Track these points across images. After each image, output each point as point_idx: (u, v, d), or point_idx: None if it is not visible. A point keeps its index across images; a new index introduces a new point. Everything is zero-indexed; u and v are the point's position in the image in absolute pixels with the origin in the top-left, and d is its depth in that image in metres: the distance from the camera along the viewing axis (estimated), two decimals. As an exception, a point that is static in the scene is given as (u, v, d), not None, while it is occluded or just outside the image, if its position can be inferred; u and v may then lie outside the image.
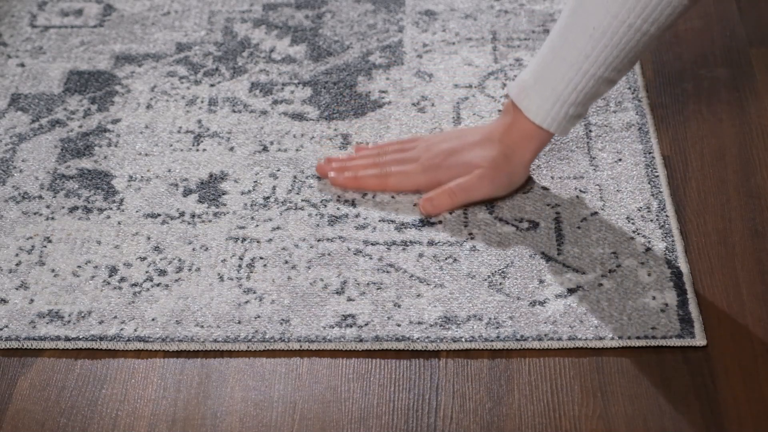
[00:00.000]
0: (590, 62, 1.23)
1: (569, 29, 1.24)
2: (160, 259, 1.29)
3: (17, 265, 1.29)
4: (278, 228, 1.33)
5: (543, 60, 1.27)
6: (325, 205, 1.35)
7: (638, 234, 1.30)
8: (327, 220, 1.33)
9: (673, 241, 1.29)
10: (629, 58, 1.23)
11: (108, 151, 1.43)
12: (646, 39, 1.21)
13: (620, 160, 1.40)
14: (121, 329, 1.22)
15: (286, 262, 1.28)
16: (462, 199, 1.31)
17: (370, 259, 1.28)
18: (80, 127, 1.47)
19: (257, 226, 1.33)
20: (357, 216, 1.34)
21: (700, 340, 1.19)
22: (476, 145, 1.32)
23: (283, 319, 1.22)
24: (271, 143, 1.44)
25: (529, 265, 1.27)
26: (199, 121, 1.47)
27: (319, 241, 1.31)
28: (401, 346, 1.19)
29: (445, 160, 1.33)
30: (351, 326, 1.21)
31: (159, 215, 1.34)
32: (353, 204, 1.35)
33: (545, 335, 1.19)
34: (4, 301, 1.25)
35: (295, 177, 1.39)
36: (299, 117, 1.48)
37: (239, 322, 1.22)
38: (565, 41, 1.24)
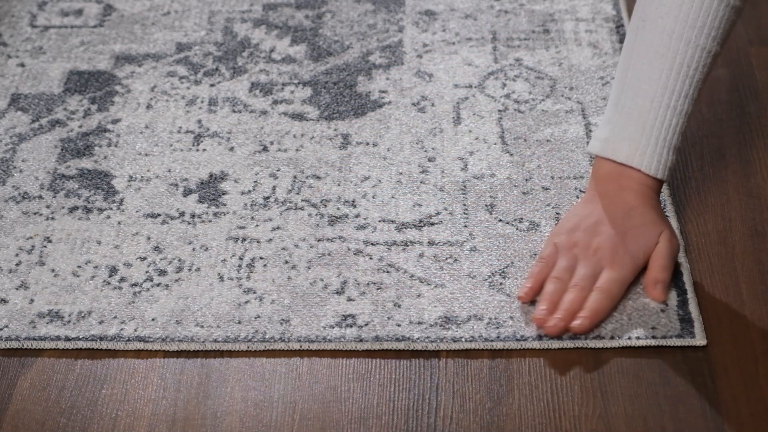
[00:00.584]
0: (682, 101, 1.19)
1: (643, 73, 1.20)
2: (160, 259, 1.29)
3: (17, 265, 1.29)
4: (278, 228, 1.33)
5: (636, 112, 1.21)
6: (325, 205, 1.35)
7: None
8: (327, 220, 1.33)
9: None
10: (700, 88, 1.20)
11: (108, 151, 1.43)
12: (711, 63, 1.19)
13: (620, 160, 1.39)
14: (121, 329, 1.22)
15: (286, 262, 1.28)
16: (672, 264, 1.23)
17: (370, 259, 1.28)
18: (80, 127, 1.47)
19: (257, 226, 1.33)
20: (357, 216, 1.34)
21: (700, 339, 1.19)
22: (628, 217, 1.24)
23: (283, 319, 1.22)
24: (271, 143, 1.44)
25: (529, 265, 1.27)
26: (199, 121, 1.47)
27: (319, 241, 1.31)
28: (401, 346, 1.19)
29: (624, 246, 1.23)
30: (351, 326, 1.21)
31: (159, 215, 1.34)
32: (353, 204, 1.35)
33: (545, 335, 1.19)
34: (4, 301, 1.25)
35: (295, 177, 1.39)
36: (299, 117, 1.48)
37: (239, 322, 1.22)
38: (648, 84, 1.20)
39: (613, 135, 1.23)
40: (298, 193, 1.37)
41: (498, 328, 1.20)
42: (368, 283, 1.26)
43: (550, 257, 1.23)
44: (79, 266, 1.29)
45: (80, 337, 1.21)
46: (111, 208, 1.35)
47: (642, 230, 1.23)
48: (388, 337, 1.20)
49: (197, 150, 1.43)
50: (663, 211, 1.26)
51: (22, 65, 1.57)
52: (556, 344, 1.19)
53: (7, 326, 1.22)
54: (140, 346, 1.20)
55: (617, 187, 1.24)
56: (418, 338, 1.20)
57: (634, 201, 1.23)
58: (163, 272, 1.28)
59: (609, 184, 1.24)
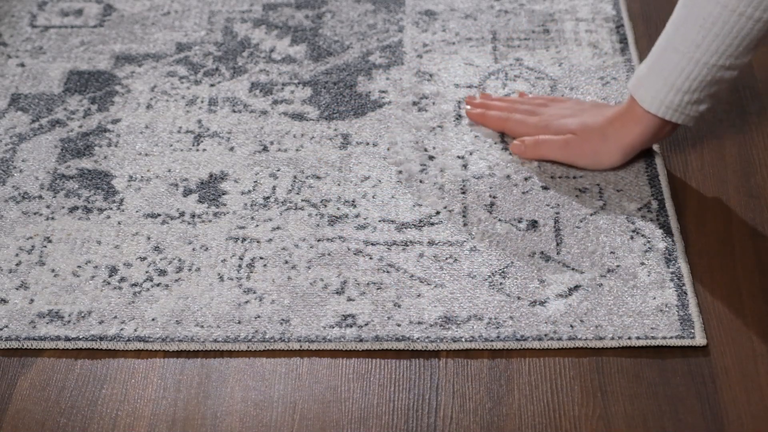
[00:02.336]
0: (702, 51, 1.25)
1: (681, 21, 1.26)
2: (160, 259, 1.29)
3: (17, 265, 1.29)
4: (278, 228, 1.33)
5: (656, 52, 1.29)
6: (325, 205, 1.35)
7: (638, 234, 1.30)
8: (327, 220, 1.33)
9: (673, 241, 1.29)
10: (744, 45, 1.24)
11: (108, 151, 1.43)
12: (761, 25, 1.22)
13: (620, 160, 1.40)
14: (121, 329, 1.22)
15: (286, 262, 1.28)
16: (543, 153, 1.38)
17: (370, 259, 1.28)
18: (80, 127, 1.47)
19: (257, 226, 1.33)
20: (357, 216, 1.34)
21: (700, 340, 1.19)
22: (584, 113, 1.38)
23: (283, 319, 1.22)
24: (271, 143, 1.44)
25: (529, 265, 1.27)
26: (199, 121, 1.47)
27: (319, 241, 1.31)
28: (401, 346, 1.19)
29: (556, 120, 1.38)
30: (351, 326, 1.21)
31: (159, 215, 1.34)
32: (353, 204, 1.35)
33: (545, 335, 1.20)
34: (4, 301, 1.25)
35: (295, 177, 1.39)
36: (299, 117, 1.48)
37: (239, 322, 1.22)
38: (677, 32, 1.26)
39: (636, 70, 1.33)
40: (298, 193, 1.37)
41: (498, 328, 1.20)
42: (368, 283, 1.26)
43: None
44: (79, 266, 1.29)
45: (80, 337, 1.21)
46: (111, 208, 1.35)
47: (574, 119, 1.37)
48: (388, 337, 1.20)
49: (197, 150, 1.43)
50: (618, 142, 1.34)
51: (22, 65, 1.57)
52: (555, 344, 1.19)
53: (7, 326, 1.22)
54: (140, 346, 1.20)
55: (622, 107, 1.35)
56: (418, 338, 1.20)
57: (610, 113, 1.35)
58: (163, 272, 1.28)
59: (625, 104, 1.36)
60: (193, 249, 1.30)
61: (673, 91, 1.28)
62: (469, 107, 1.46)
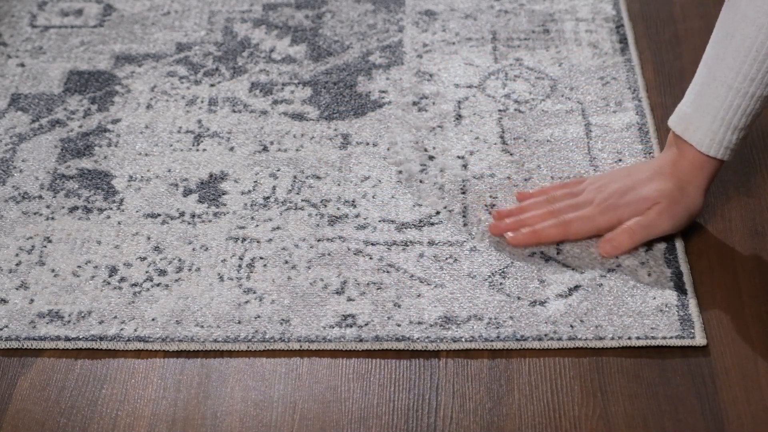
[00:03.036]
0: (749, 82, 1.19)
1: (722, 53, 1.20)
2: (160, 259, 1.29)
3: (17, 265, 1.29)
4: (278, 228, 1.33)
5: (699, 87, 1.23)
6: (325, 205, 1.35)
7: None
8: (327, 220, 1.33)
9: (673, 241, 1.29)
10: None
11: (108, 151, 1.43)
12: None
13: (620, 160, 1.40)
14: (121, 329, 1.22)
15: (286, 262, 1.28)
16: (642, 237, 1.26)
17: (370, 259, 1.28)
18: (80, 127, 1.47)
19: (257, 226, 1.33)
20: (357, 216, 1.34)
21: (700, 340, 1.19)
22: (649, 181, 1.27)
23: (283, 319, 1.22)
24: (271, 143, 1.44)
25: (529, 265, 1.27)
26: (199, 121, 1.47)
27: (319, 241, 1.31)
28: (401, 346, 1.19)
29: (621, 198, 1.27)
30: (351, 326, 1.21)
31: (159, 215, 1.34)
32: (353, 204, 1.35)
33: (545, 335, 1.20)
34: (4, 301, 1.25)
35: (295, 177, 1.39)
36: (299, 117, 1.48)
37: (239, 322, 1.22)
38: (720, 65, 1.21)
39: (678, 109, 1.27)
40: (298, 193, 1.37)
41: (498, 328, 1.20)
42: (368, 283, 1.26)
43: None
44: (79, 266, 1.29)
45: (80, 337, 1.21)
46: (111, 208, 1.35)
47: (643, 189, 1.26)
48: (388, 337, 1.20)
49: (197, 150, 1.43)
50: (696, 190, 1.26)
51: (22, 65, 1.57)
52: (555, 344, 1.19)
53: (7, 326, 1.22)
54: (140, 346, 1.20)
55: (672, 152, 1.27)
56: (418, 338, 1.20)
57: (667, 166, 1.26)
58: (163, 272, 1.28)
59: (668, 149, 1.28)
60: (193, 249, 1.30)
61: (723, 127, 1.22)
62: (511, 234, 1.28)
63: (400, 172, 1.39)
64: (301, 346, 1.20)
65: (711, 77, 1.22)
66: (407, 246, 1.30)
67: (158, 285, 1.26)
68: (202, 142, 1.44)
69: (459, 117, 1.47)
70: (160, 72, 1.55)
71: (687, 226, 1.29)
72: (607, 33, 1.59)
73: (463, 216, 1.33)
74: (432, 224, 1.32)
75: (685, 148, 1.26)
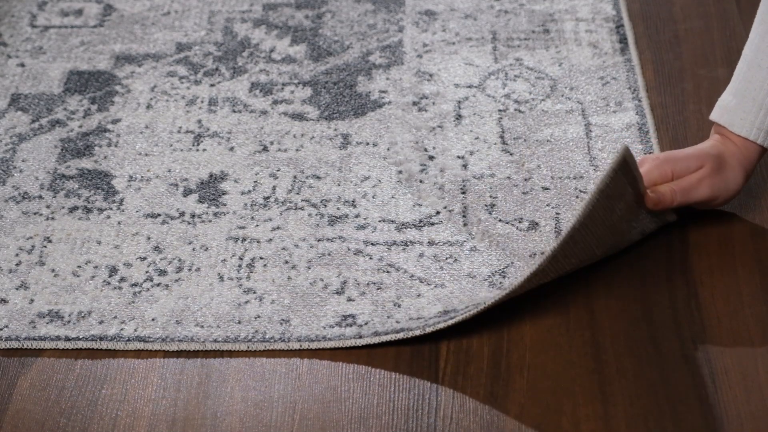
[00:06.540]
0: None
1: (763, 39, 1.23)
2: (160, 259, 1.29)
3: (17, 265, 1.29)
4: (278, 228, 1.33)
5: (739, 74, 1.27)
6: (325, 205, 1.35)
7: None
8: (327, 220, 1.33)
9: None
10: None
11: (108, 151, 1.43)
12: None
13: (620, 160, 1.40)
14: (121, 329, 1.22)
15: (286, 262, 1.28)
16: (682, 199, 1.28)
17: (370, 259, 1.28)
18: (80, 127, 1.47)
19: (257, 226, 1.33)
20: (357, 216, 1.34)
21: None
22: (695, 149, 1.30)
23: (283, 319, 1.22)
24: (271, 143, 1.44)
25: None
26: (199, 121, 1.47)
27: (319, 241, 1.31)
28: (400, 336, 1.19)
29: (672, 153, 1.30)
30: (351, 326, 1.21)
31: (159, 215, 1.34)
32: (353, 204, 1.35)
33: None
34: (4, 301, 1.25)
35: (295, 177, 1.39)
36: (299, 117, 1.48)
37: (239, 322, 1.22)
38: (759, 51, 1.24)
39: (719, 103, 1.30)
40: (298, 193, 1.37)
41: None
42: (368, 283, 1.26)
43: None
44: (79, 266, 1.29)
45: (80, 337, 1.21)
46: (111, 208, 1.35)
47: (692, 150, 1.29)
48: (387, 332, 1.20)
49: (197, 150, 1.43)
50: (738, 166, 1.28)
51: (22, 65, 1.57)
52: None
53: (7, 326, 1.22)
54: (140, 346, 1.20)
55: (715, 139, 1.31)
56: (416, 327, 1.19)
57: (709, 146, 1.29)
58: (163, 272, 1.28)
59: (711, 137, 1.32)
60: (193, 249, 1.30)
61: (763, 111, 1.26)
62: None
63: (400, 172, 1.39)
64: (301, 346, 1.20)
65: (756, 66, 1.24)
66: (407, 246, 1.30)
67: (158, 285, 1.26)
68: (202, 142, 1.44)
69: (459, 117, 1.47)
70: (160, 72, 1.55)
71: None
72: (607, 33, 1.59)
73: (463, 216, 1.33)
74: (432, 224, 1.32)
75: (729, 135, 1.29)
